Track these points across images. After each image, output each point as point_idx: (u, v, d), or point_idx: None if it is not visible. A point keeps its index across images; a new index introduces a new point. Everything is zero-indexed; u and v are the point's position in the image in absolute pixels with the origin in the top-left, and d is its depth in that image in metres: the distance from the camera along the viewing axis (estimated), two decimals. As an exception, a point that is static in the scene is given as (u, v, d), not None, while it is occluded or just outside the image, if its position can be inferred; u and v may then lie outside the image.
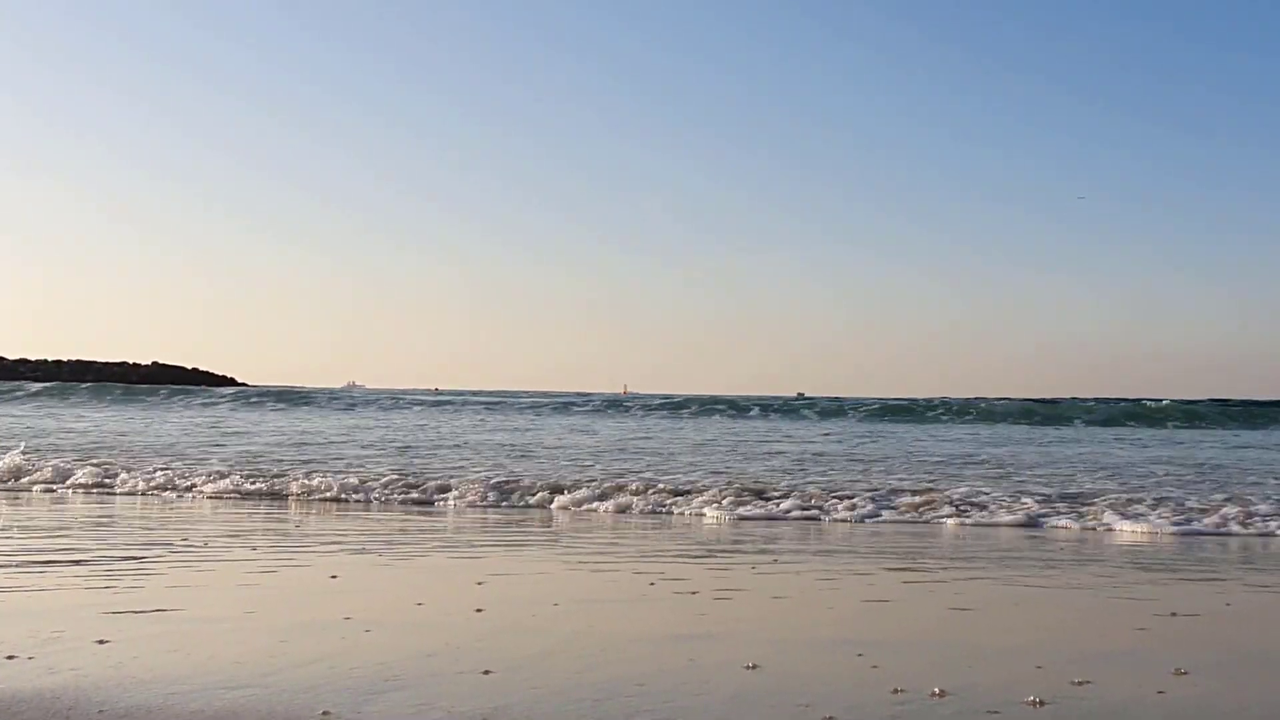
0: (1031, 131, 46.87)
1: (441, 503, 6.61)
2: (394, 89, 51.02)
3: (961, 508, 6.33)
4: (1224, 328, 43.25)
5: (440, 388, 36.20)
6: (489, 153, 52.15)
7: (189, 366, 48.15)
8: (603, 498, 6.63)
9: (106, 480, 7.32)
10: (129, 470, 7.56)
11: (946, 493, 6.67)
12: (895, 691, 2.39)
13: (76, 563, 4.10)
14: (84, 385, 30.65)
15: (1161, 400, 24.84)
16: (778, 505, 6.43)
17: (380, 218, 52.74)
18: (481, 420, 18.73)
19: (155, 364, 49.04)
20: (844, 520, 6.03)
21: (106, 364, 48.38)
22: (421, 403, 26.88)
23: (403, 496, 6.80)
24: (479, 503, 6.60)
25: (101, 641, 2.74)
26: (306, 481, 7.08)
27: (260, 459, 8.96)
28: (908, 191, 49.44)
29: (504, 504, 6.58)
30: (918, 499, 6.61)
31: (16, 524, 5.44)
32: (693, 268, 50.25)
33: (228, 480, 7.26)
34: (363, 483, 7.07)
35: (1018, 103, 46.44)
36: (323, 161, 52.78)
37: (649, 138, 50.60)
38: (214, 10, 49.82)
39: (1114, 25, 45.17)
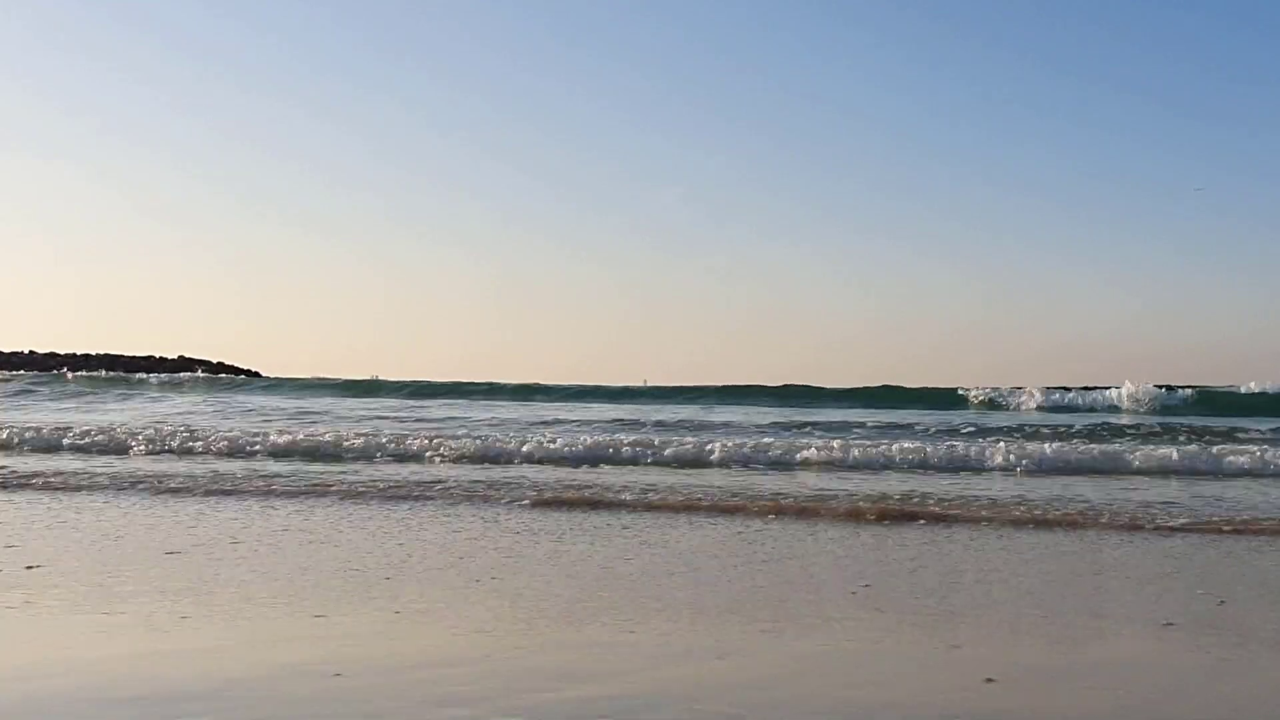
0: (1059, 124, 44.93)
1: None
2: (417, 82, 49.47)
3: None
4: (1255, 319, 40.24)
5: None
6: (509, 145, 50.38)
7: (214, 360, 46.57)
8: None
9: None
10: None
11: None
12: None
13: None
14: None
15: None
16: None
17: (401, 210, 50.99)
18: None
19: (181, 358, 47.97)
20: None
21: (134, 358, 47.93)
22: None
23: None
24: None
25: None
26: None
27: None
28: (932, 183, 47.13)
29: None
30: None
31: None
32: (712, 259, 47.96)
33: None
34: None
35: (1046, 95, 44.13)
36: (343, 153, 51.23)
37: (669, 129, 48.58)
38: (239, 1, 48.06)
39: (1145, 13, 42.16)
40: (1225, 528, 6.63)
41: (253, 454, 10.90)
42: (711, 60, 49.58)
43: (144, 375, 30.88)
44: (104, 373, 32.73)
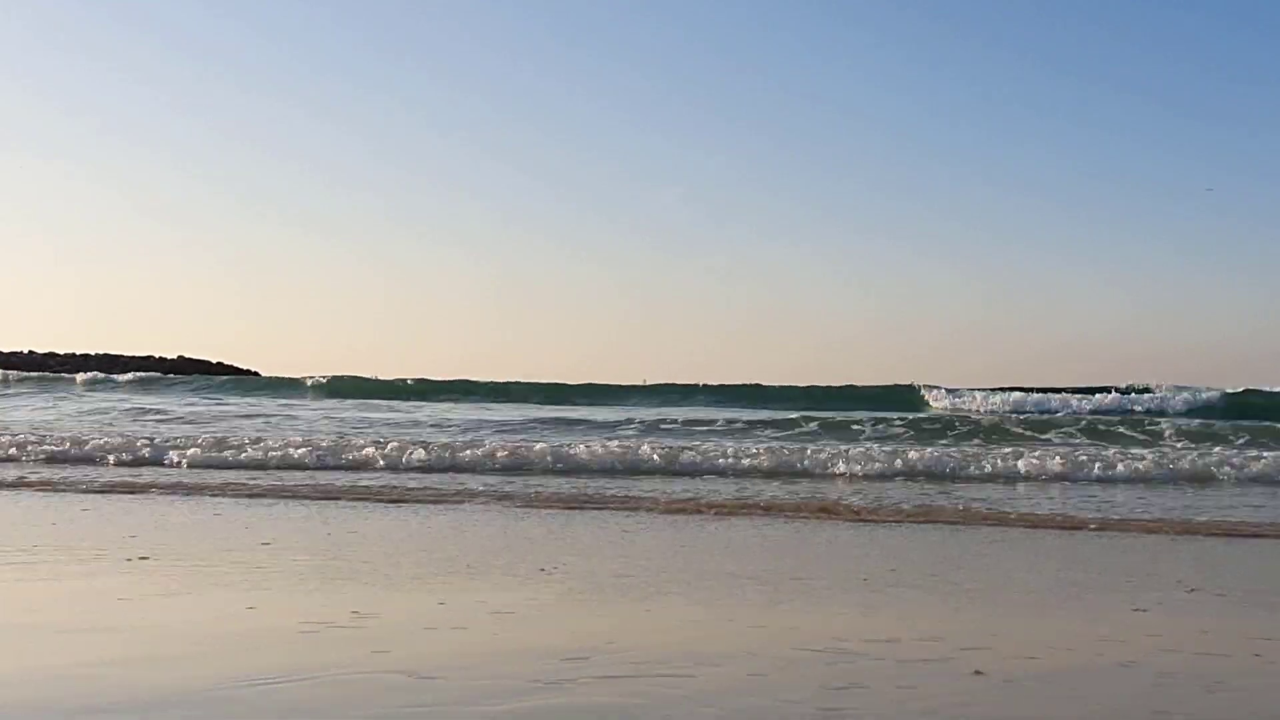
0: (1059, 124, 45.30)
1: None
2: (417, 82, 49.57)
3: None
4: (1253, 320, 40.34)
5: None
6: (509, 145, 50.49)
7: (214, 360, 46.73)
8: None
9: None
10: None
11: None
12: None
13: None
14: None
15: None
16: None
17: (401, 210, 51.05)
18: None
19: (181, 358, 48.23)
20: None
21: (133, 358, 48.11)
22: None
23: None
24: None
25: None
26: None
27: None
28: (932, 183, 47.30)
29: None
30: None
31: None
32: (712, 259, 48.04)
33: None
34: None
35: (1046, 95, 44.40)
36: (343, 153, 51.31)
37: (669, 129, 48.70)
38: (239, 1, 48.15)
39: (1145, 13, 42.24)
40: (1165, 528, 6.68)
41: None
42: (711, 60, 49.53)
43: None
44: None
